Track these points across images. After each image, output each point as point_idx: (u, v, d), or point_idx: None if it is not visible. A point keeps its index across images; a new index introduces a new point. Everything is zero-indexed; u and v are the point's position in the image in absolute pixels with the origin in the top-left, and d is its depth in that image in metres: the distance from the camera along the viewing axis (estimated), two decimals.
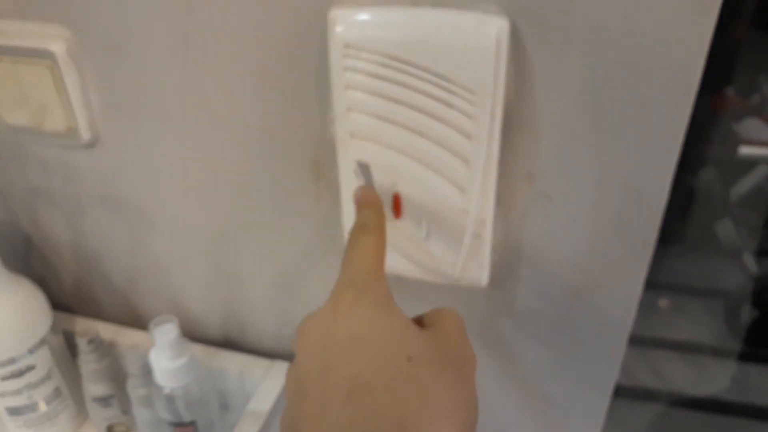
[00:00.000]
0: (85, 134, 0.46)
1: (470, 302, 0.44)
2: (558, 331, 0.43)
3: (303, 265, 0.48)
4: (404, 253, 0.42)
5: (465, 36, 0.33)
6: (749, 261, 1.90)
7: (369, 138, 0.37)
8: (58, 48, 0.43)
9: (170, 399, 0.42)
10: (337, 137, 0.39)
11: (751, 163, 1.85)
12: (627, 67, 0.32)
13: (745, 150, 1.81)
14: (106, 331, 0.54)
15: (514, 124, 0.36)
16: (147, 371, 0.45)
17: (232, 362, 0.52)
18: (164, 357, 0.41)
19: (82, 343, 0.47)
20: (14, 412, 0.49)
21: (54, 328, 0.50)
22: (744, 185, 1.86)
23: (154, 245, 0.52)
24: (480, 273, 0.41)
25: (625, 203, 0.37)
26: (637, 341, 1.85)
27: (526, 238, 0.40)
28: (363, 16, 0.34)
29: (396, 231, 0.40)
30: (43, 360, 0.48)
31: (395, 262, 0.42)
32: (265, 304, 0.52)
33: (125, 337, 0.54)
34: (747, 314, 1.89)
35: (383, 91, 0.35)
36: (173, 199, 0.48)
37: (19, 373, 0.47)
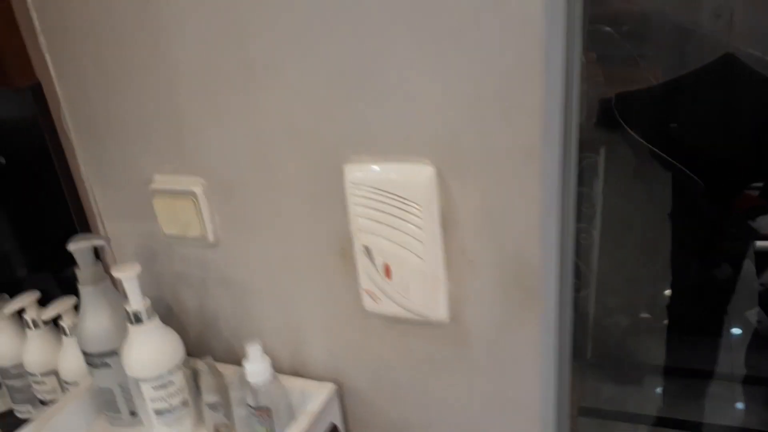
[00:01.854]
0: (210, 239, 0.76)
1: (440, 334, 0.69)
2: (493, 353, 0.67)
3: (338, 315, 0.74)
4: (396, 302, 0.67)
5: (414, 176, 0.61)
6: None
7: (368, 232, 0.65)
8: (197, 190, 0.74)
9: (254, 390, 0.67)
10: (352, 232, 0.66)
11: None
12: (497, 185, 0.58)
13: (761, 244, 1.94)
14: (217, 366, 0.81)
15: (448, 222, 0.62)
16: (242, 380, 0.71)
17: (296, 383, 0.77)
18: (252, 362, 0.67)
19: (201, 365, 0.74)
20: (159, 413, 0.75)
21: (185, 361, 0.77)
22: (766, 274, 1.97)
23: (250, 309, 0.80)
24: (442, 313, 0.66)
25: (517, 264, 0.61)
26: (683, 426, 1.93)
27: (465, 288, 0.65)
28: (361, 167, 0.63)
29: (389, 288, 0.66)
30: (178, 378, 0.75)
31: (391, 308, 0.68)
32: (315, 343, 0.78)
33: (229, 369, 0.81)
34: None
35: (373, 205, 0.63)
36: (263, 279, 0.77)
37: (164, 386, 0.74)
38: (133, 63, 0.70)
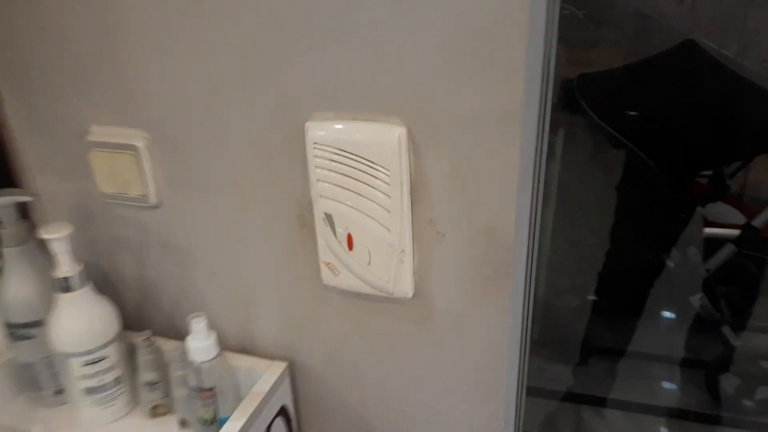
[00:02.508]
0: (153, 199, 0.68)
1: (403, 310, 0.64)
2: (458, 330, 0.62)
3: (293, 288, 0.68)
4: (357, 275, 0.61)
5: (382, 137, 0.55)
6: (729, 334, 2.01)
7: (330, 198, 0.59)
8: (140, 144, 0.66)
9: (198, 370, 0.61)
10: (312, 198, 0.60)
11: (721, 242, 2.00)
12: (473, 151, 0.53)
13: (709, 231, 1.97)
14: (156, 341, 0.74)
15: (418, 189, 0.57)
16: (184, 358, 0.64)
17: (244, 362, 0.71)
18: (196, 339, 0.60)
19: (139, 341, 0.67)
20: (89, 392, 0.68)
21: (120, 335, 0.70)
22: (714, 263, 2.01)
23: (195, 279, 0.73)
24: (406, 287, 0.61)
25: (488, 238, 0.57)
26: (628, 407, 1.96)
27: (432, 262, 0.60)
28: (324, 125, 0.57)
29: (350, 259, 0.61)
30: (112, 353, 0.68)
31: (351, 282, 0.62)
32: (267, 318, 0.71)
33: (170, 345, 0.74)
34: (729, 384, 1.97)
35: (337, 169, 0.57)
36: (211, 246, 0.69)
37: (95, 362, 0.67)
38: None
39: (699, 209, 2.06)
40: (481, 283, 0.59)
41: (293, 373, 0.73)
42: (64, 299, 0.64)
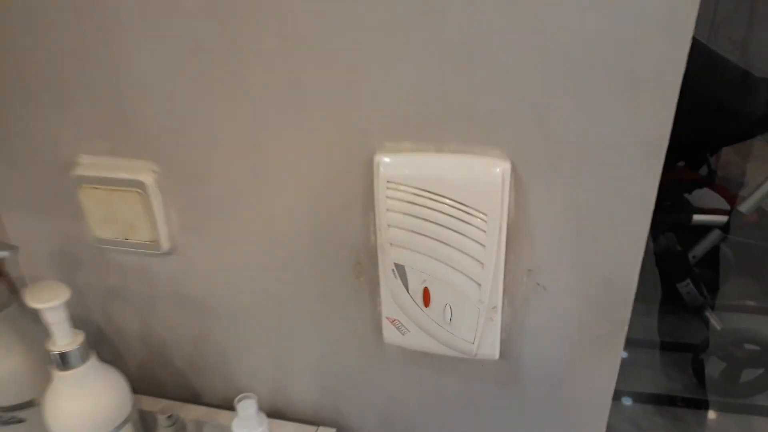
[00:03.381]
0: (165, 245, 0.55)
1: (483, 372, 0.53)
2: (554, 395, 0.52)
3: (342, 346, 0.56)
4: (431, 334, 0.50)
5: (478, 174, 0.43)
6: (713, 318, 1.99)
7: (404, 246, 0.47)
8: (147, 179, 0.52)
9: None
10: (378, 245, 0.48)
11: (707, 228, 1.98)
12: (601, 190, 0.42)
13: (698, 218, 1.94)
14: (171, 406, 0.61)
15: (516, 234, 0.45)
16: None
17: (285, 429, 0.59)
18: (245, 427, 0.48)
19: (162, 419, 0.54)
20: None
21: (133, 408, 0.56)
22: (701, 249, 1.98)
23: (216, 333, 0.60)
24: (493, 349, 0.50)
25: (604, 291, 0.46)
26: (616, 395, 1.92)
27: (528, 320, 0.49)
28: (400, 159, 0.44)
29: (425, 317, 0.49)
30: None
31: (424, 341, 0.51)
32: (307, 378, 0.59)
33: (188, 412, 0.61)
34: (715, 367, 1.96)
35: (415, 212, 0.45)
36: (237, 297, 0.56)
37: None
38: None
39: (687, 196, 2.03)
40: (589, 342, 0.49)
41: None
42: (63, 378, 0.51)
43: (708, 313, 2.01)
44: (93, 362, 0.52)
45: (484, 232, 0.44)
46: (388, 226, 0.46)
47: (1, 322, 0.52)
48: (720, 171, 2.35)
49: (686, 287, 2.04)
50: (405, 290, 0.49)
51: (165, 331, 0.61)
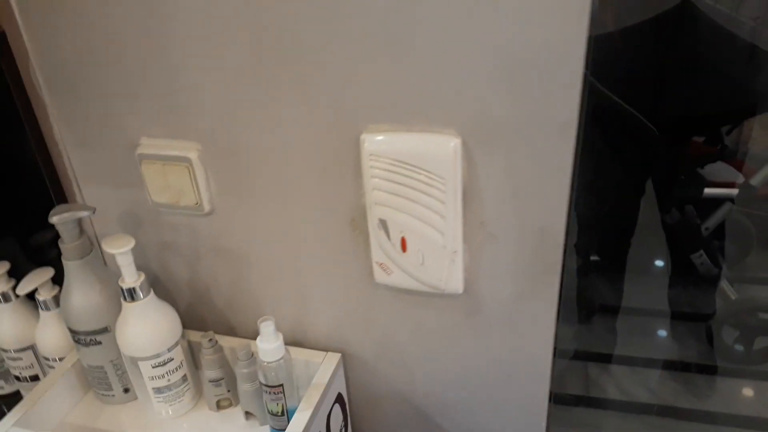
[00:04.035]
0: (206, 207, 0.71)
1: (452, 304, 0.67)
2: (508, 321, 0.66)
3: (345, 286, 0.71)
4: (410, 274, 0.65)
5: (438, 147, 0.57)
6: (727, 287, 2.07)
7: (385, 205, 0.61)
8: (193, 156, 0.68)
9: (268, 369, 0.64)
10: (367, 205, 0.63)
11: (719, 201, 2.04)
12: (528, 159, 0.56)
13: (709, 191, 2.01)
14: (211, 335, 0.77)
15: (469, 194, 0.59)
16: (249, 356, 0.67)
17: (301, 354, 0.75)
18: (266, 341, 0.64)
19: (204, 341, 0.70)
20: (158, 391, 0.71)
21: (183, 335, 0.73)
22: (712, 220, 2.05)
23: (248, 280, 0.76)
24: (457, 285, 0.64)
25: (539, 238, 0.60)
26: (633, 362, 2.03)
27: (483, 261, 0.63)
28: (380, 137, 0.59)
29: (403, 260, 0.64)
30: (177, 355, 0.71)
31: (404, 280, 0.65)
32: (319, 313, 0.75)
33: (225, 341, 0.77)
34: (728, 335, 2.04)
35: (392, 178, 0.59)
36: (263, 249, 0.72)
37: (163, 363, 0.70)
38: (117, 4, 0.62)
39: (699, 170, 2.10)
40: (531, 280, 0.62)
41: (345, 363, 0.77)
42: (130, 308, 0.67)
43: (723, 283, 2.08)
44: (152, 297, 0.69)
45: (444, 192, 0.58)
46: (373, 189, 0.61)
47: (85, 266, 0.68)
48: (741, 146, 2.40)
49: (700, 258, 2.12)
50: (387, 239, 0.63)
51: (207, 277, 0.78)
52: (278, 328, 0.74)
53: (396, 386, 0.77)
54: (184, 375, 0.73)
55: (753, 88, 1.89)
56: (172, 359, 0.70)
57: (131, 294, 0.67)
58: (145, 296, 0.67)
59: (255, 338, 0.65)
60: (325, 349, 0.76)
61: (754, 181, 1.95)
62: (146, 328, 0.68)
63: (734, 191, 2.01)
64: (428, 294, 0.67)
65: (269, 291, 0.76)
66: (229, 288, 0.78)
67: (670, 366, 2.08)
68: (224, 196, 0.70)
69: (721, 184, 2.04)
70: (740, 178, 2.03)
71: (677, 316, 2.24)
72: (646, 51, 1.94)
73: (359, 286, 0.70)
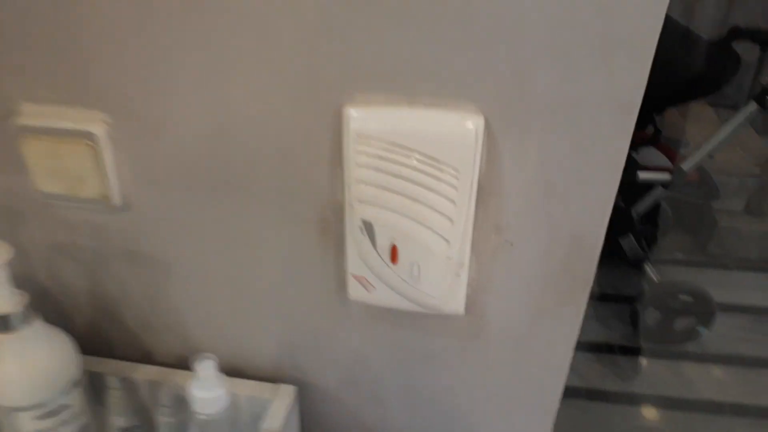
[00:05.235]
0: (117, 200, 0.52)
1: (449, 327, 0.53)
2: (516, 349, 0.53)
3: (306, 302, 0.55)
4: (398, 291, 0.50)
5: (451, 129, 0.42)
6: (651, 270, 2.08)
7: (373, 203, 0.46)
8: (97, 130, 0.49)
9: (204, 424, 0.48)
10: (346, 202, 0.47)
11: (649, 185, 2.04)
12: (572, 148, 0.42)
13: (643, 175, 2.00)
14: (121, 366, 0.59)
15: (485, 190, 0.45)
16: (177, 401, 0.50)
17: (244, 388, 0.58)
18: (204, 388, 0.47)
19: (112, 381, 0.52)
20: None
21: (82, 371, 0.54)
22: (643, 205, 2.05)
23: (170, 292, 0.58)
24: (458, 304, 0.50)
25: (570, 248, 0.47)
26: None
27: (494, 275, 0.49)
28: (371, 112, 0.43)
29: (392, 274, 0.49)
30: (73, 400, 0.52)
31: (391, 298, 0.50)
32: (269, 335, 0.58)
33: (141, 372, 0.59)
34: (651, 317, 2.05)
35: (386, 168, 0.44)
36: (194, 253, 0.54)
37: (53, 413, 0.51)
38: None
39: (633, 154, 2.09)
40: (553, 298, 0.49)
41: (301, 395, 0.61)
42: (5, 341, 0.48)
43: (647, 266, 2.10)
44: (38, 324, 0.50)
45: (455, 188, 0.44)
46: (358, 182, 0.45)
47: None
48: (663, 131, 2.43)
49: (628, 242, 2.13)
50: (372, 247, 0.48)
51: (116, 290, 0.59)
52: (212, 352, 0.57)
53: (365, 422, 0.62)
54: (85, 424, 0.54)
55: (686, 72, 1.88)
56: (67, 407, 0.52)
57: (5, 323, 0.47)
58: (25, 325, 0.48)
59: (178, 366, 0.49)
60: (275, 380, 0.60)
61: (686, 165, 1.96)
62: (27, 369, 0.49)
63: (665, 176, 2.01)
64: (419, 314, 0.52)
65: (199, 307, 0.58)
66: (146, 303, 0.59)
67: (595, 348, 2.09)
68: (142, 187, 0.52)
69: (652, 168, 2.03)
70: (670, 164, 2.03)
71: (603, 298, 2.25)
72: None
73: (325, 304, 0.55)
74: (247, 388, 0.59)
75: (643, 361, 2.05)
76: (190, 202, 0.51)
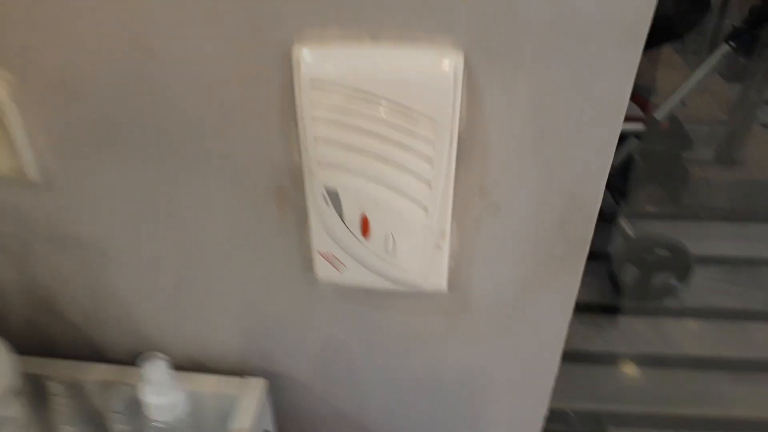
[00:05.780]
0: (34, 176, 0.43)
1: (429, 304, 0.46)
2: (506, 324, 0.46)
3: (268, 285, 0.48)
4: (372, 268, 0.42)
5: (424, 69, 0.34)
6: (626, 225, 2.04)
7: (336, 166, 0.38)
8: (0, 93, 0.40)
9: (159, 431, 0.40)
10: (304, 166, 0.39)
11: (622, 136, 1.98)
12: (569, 85, 0.35)
13: None
14: (66, 367, 0.51)
15: (467, 145, 0.38)
16: (132, 405, 0.43)
17: (207, 384, 0.51)
18: (156, 393, 0.39)
19: (56, 388, 0.44)
20: None
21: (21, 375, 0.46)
22: (616, 157, 2.00)
23: (111, 279, 0.49)
24: (440, 279, 0.43)
25: (566, 208, 0.40)
26: None
27: (479, 244, 0.42)
28: (327, 52, 0.35)
29: (364, 249, 0.41)
30: (14, 410, 0.45)
31: (364, 277, 0.43)
32: (230, 324, 0.51)
33: (90, 372, 0.51)
34: (628, 273, 2.02)
35: (349, 122, 0.36)
36: (133, 234, 0.46)
37: None
38: None
39: None
40: (547, 266, 0.43)
41: (271, 386, 0.54)
42: None
43: (622, 221, 2.06)
44: None
45: (432, 144, 0.36)
46: (315, 140, 0.37)
47: None
48: (643, 81, 2.37)
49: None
50: (339, 219, 0.40)
51: (51, 280, 0.51)
52: (165, 347, 0.50)
53: (342, 410, 0.55)
54: None
55: (654, 16, 1.81)
56: (7, 420, 0.44)
57: None
58: None
59: (131, 363, 0.41)
60: (242, 373, 0.53)
61: (659, 114, 1.90)
62: None
63: (638, 126, 1.96)
64: (396, 293, 0.45)
65: (146, 296, 0.50)
66: (86, 294, 0.51)
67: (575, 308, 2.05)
68: (63, 158, 0.43)
69: (625, 119, 1.98)
70: (642, 114, 1.97)
71: None
72: None
73: (290, 287, 0.47)
74: (210, 384, 0.51)
75: (622, 319, 2.02)
76: (119, 174, 0.43)
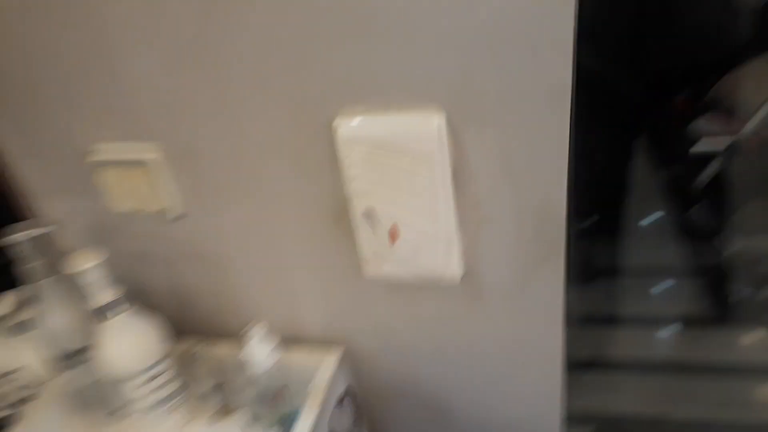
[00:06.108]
0: (174, 212, 0.64)
1: (451, 293, 0.61)
2: (512, 307, 0.60)
3: (335, 282, 0.65)
4: (402, 267, 0.58)
5: (420, 126, 0.50)
6: (723, 241, 2.00)
7: (367, 195, 0.54)
8: (150, 157, 0.61)
9: (261, 377, 0.58)
10: (348, 196, 0.56)
11: (709, 157, 1.98)
12: (522, 134, 0.49)
13: (696, 148, 1.94)
14: (201, 340, 0.71)
15: (460, 175, 0.53)
16: (244, 364, 0.61)
17: (299, 351, 0.69)
18: (256, 350, 0.57)
19: (194, 351, 0.64)
20: (150, 408, 0.64)
21: (173, 345, 0.66)
22: (704, 177, 1.99)
23: (232, 282, 0.69)
24: (454, 273, 0.58)
25: (539, 215, 0.53)
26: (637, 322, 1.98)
27: (480, 246, 0.57)
28: (354, 121, 0.52)
29: (393, 252, 0.57)
30: (165, 369, 0.64)
31: (396, 273, 0.59)
32: (313, 309, 0.68)
33: (218, 348, 0.71)
34: (732, 287, 1.98)
35: (372, 165, 0.53)
36: (243, 250, 0.65)
37: (152, 379, 0.63)
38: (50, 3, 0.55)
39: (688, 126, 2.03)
40: (534, 261, 0.56)
41: (348, 354, 0.70)
42: (108, 325, 0.61)
43: (720, 238, 2.03)
44: (129, 312, 0.62)
45: (432, 175, 0.52)
46: (353, 179, 0.54)
47: (54, 285, 0.62)
48: (722, 99, 2.33)
49: (696, 214, 2.06)
50: (375, 232, 0.57)
51: (188, 284, 0.71)
52: (270, 327, 0.68)
53: (401, 376, 0.71)
54: (177, 388, 0.66)
55: (732, 38, 1.81)
56: (160, 374, 0.64)
57: (103, 312, 0.60)
58: (120, 313, 0.61)
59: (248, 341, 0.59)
60: (326, 342, 0.70)
61: (744, 131, 1.89)
62: (129, 345, 0.61)
63: (723, 144, 1.95)
64: (424, 285, 0.60)
65: (253, 292, 0.69)
66: (213, 293, 0.71)
67: (678, 321, 2.04)
68: (192, 199, 0.63)
69: (707, 140, 1.97)
70: (727, 131, 1.96)
71: (677, 274, 2.19)
72: (623, 6, 1.85)
73: (351, 282, 0.64)
74: (301, 350, 0.69)
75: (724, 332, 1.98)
76: (229, 209, 0.62)
